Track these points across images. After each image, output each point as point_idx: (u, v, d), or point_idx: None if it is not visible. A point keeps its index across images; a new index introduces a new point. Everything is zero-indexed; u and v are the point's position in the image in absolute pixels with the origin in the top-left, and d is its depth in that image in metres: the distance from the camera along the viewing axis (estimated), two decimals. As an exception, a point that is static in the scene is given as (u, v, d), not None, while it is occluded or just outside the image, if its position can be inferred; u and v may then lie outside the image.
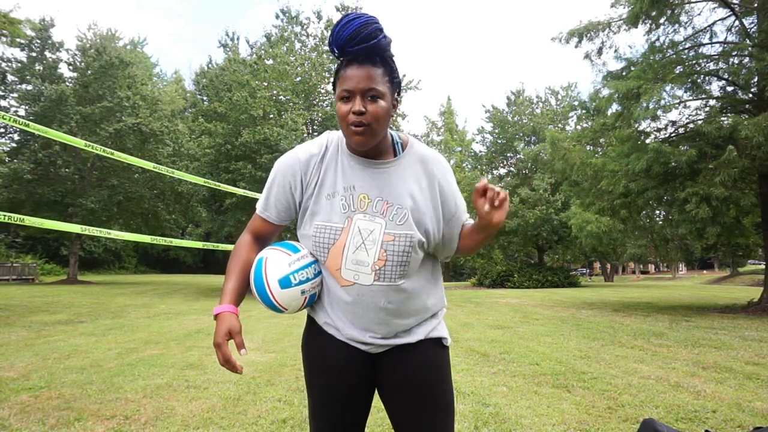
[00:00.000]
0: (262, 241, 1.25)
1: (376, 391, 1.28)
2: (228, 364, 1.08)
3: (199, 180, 7.43)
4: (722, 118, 8.76)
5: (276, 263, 1.15)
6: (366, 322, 1.17)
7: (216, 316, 1.12)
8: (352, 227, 1.13)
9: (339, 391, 1.21)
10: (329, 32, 1.11)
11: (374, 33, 1.04)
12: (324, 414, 1.22)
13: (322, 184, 1.17)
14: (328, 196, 1.16)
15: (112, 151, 5.51)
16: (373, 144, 1.11)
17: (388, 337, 1.19)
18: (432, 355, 1.22)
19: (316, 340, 1.24)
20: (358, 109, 1.05)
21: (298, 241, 1.24)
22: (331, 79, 1.16)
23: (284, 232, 1.30)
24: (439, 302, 1.26)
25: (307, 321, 1.30)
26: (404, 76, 22.17)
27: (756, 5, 8.92)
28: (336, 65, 1.14)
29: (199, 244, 8.27)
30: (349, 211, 1.14)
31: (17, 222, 4.28)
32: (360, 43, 1.04)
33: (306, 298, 1.17)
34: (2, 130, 20.57)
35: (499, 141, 24.91)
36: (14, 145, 20.83)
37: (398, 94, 1.15)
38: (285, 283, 1.13)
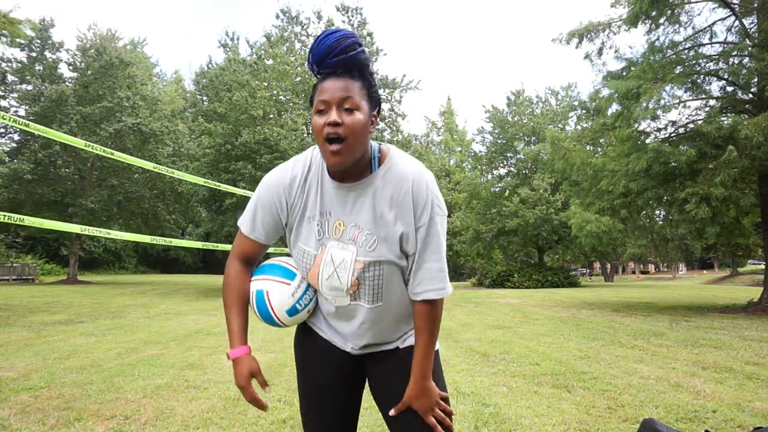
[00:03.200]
0: (251, 263, 1.25)
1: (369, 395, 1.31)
2: (256, 402, 1.15)
3: (199, 180, 7.43)
4: (722, 118, 8.75)
5: (279, 296, 1.19)
6: (346, 332, 1.23)
7: (234, 360, 1.16)
8: (324, 255, 1.15)
9: (320, 381, 1.26)
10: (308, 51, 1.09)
11: (353, 46, 1.04)
12: (308, 405, 1.28)
13: (305, 206, 1.16)
14: (309, 219, 1.16)
15: (112, 151, 5.51)
16: (350, 162, 1.06)
17: (367, 347, 1.25)
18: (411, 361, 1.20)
19: (304, 331, 1.32)
20: (333, 119, 1.02)
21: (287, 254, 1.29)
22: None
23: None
24: None
25: None
26: (404, 75, 22.16)
27: (756, 5, 8.92)
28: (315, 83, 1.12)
29: (199, 244, 8.28)
30: (323, 238, 1.15)
31: (17, 222, 4.28)
32: (338, 55, 1.03)
33: (309, 311, 1.26)
34: (2, 130, 20.56)
35: (499, 141, 24.90)
36: (14, 145, 20.83)
37: (377, 111, 1.12)
38: (293, 311, 1.21)
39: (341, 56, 1.03)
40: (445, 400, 1.20)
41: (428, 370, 1.15)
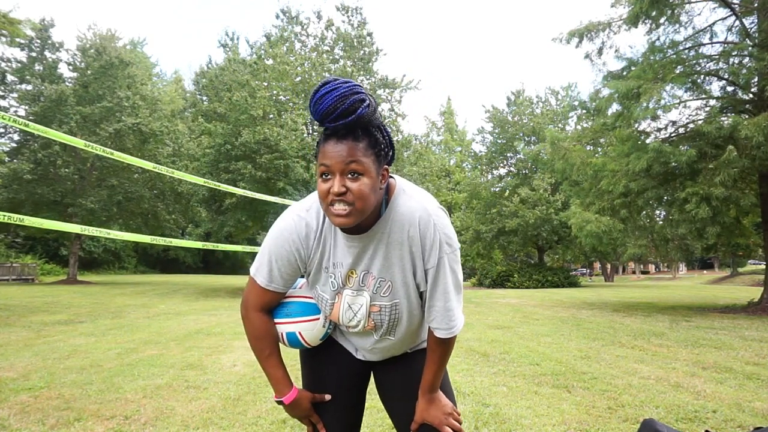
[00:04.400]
0: (270, 310, 1.24)
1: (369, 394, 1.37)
2: (320, 422, 1.27)
3: (199, 180, 7.44)
4: (722, 118, 8.75)
5: (312, 332, 1.24)
6: (358, 345, 1.29)
7: (291, 403, 1.23)
8: (342, 303, 1.18)
9: (329, 378, 1.30)
10: (310, 100, 1.01)
11: (353, 106, 0.96)
12: (317, 402, 1.29)
13: (321, 258, 1.16)
14: (325, 269, 1.17)
15: (112, 151, 5.51)
16: (358, 222, 1.03)
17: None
18: (421, 363, 1.24)
19: None
20: (337, 190, 0.98)
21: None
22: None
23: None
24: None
25: None
26: (404, 75, 22.17)
27: (756, 5, 8.91)
28: (318, 136, 1.08)
29: (199, 244, 8.30)
30: (338, 288, 1.17)
31: (17, 222, 4.28)
32: (338, 119, 0.96)
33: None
34: (2, 130, 20.56)
35: (499, 141, 24.89)
36: (14, 145, 20.82)
37: (390, 160, 1.08)
38: (324, 335, 1.28)
39: (341, 121, 0.97)
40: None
41: (435, 386, 1.20)
